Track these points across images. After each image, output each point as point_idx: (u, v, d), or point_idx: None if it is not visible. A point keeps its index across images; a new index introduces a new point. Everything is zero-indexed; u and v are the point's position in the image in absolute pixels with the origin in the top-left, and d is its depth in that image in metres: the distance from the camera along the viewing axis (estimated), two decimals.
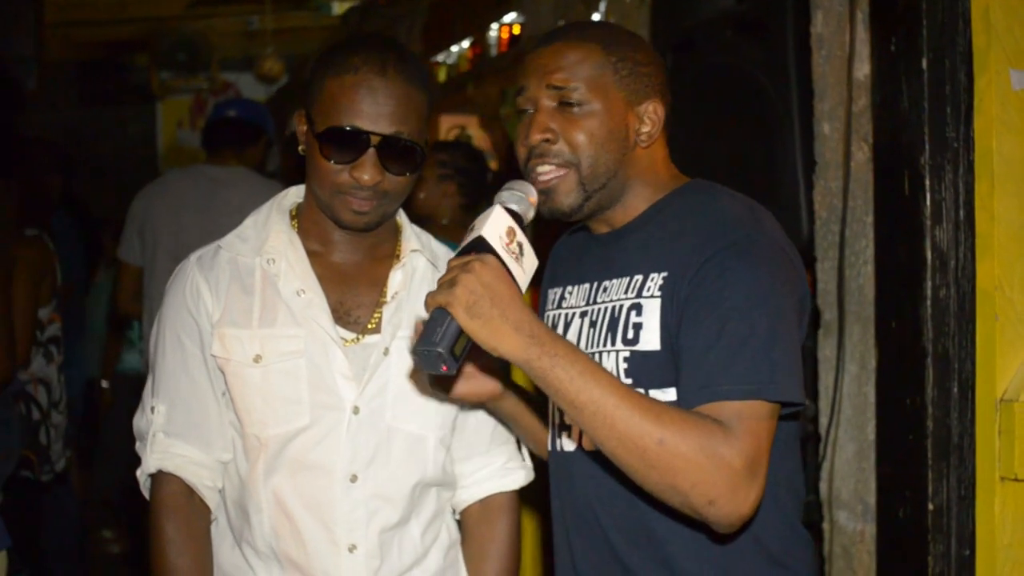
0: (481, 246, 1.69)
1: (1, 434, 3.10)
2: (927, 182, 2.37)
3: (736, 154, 3.15)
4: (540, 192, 1.85)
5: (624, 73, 1.86)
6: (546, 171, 1.86)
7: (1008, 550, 2.32)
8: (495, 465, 2.18)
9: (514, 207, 1.77)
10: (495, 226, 1.71)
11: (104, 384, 5.88)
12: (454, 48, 6.05)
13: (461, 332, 1.65)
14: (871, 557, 2.71)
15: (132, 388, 7.14)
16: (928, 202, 2.37)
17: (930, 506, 2.38)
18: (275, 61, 9.06)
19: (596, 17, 4.52)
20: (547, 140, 1.85)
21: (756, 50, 3.07)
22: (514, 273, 1.70)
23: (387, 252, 2.15)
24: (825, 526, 2.89)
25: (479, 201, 4.15)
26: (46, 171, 5.07)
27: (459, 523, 2.22)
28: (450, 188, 4.20)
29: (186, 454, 2.04)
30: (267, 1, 8.47)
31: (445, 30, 5.52)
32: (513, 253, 1.71)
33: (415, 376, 2.07)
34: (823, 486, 2.89)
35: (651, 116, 1.89)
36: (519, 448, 2.23)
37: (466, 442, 2.16)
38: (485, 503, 2.19)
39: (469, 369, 1.96)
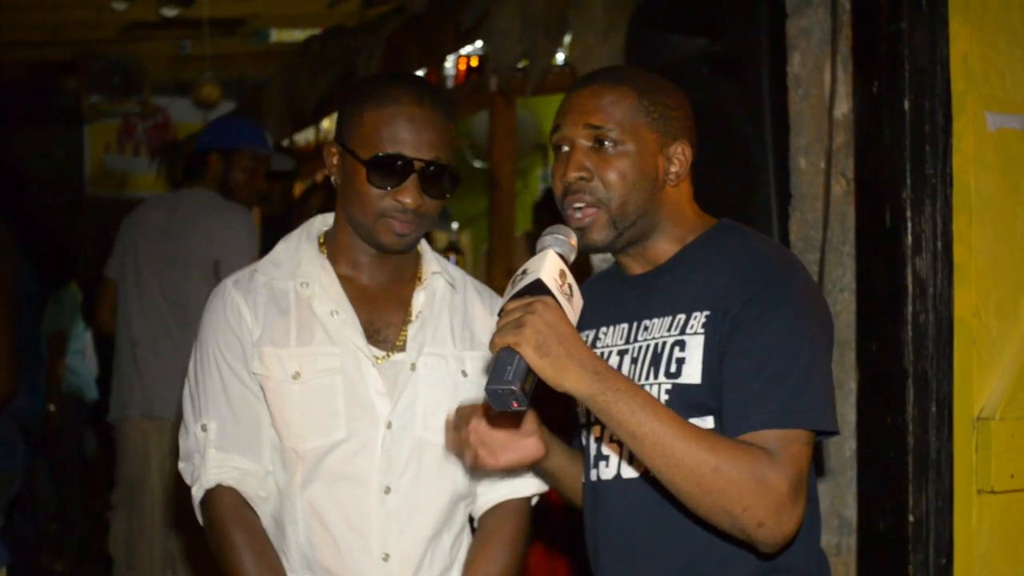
0: (539, 288, 1.76)
1: (5, 457, 3.07)
2: (908, 215, 2.53)
3: (713, 188, 3.28)
4: (575, 230, 1.94)
5: (656, 116, 1.96)
6: (581, 211, 1.96)
7: (984, 558, 2.49)
8: (511, 472, 2.27)
9: (559, 250, 1.85)
10: (551, 269, 1.78)
11: (51, 408, 5.79)
12: None
13: (529, 371, 1.71)
14: (847, 568, 2.85)
15: (76, 410, 7.01)
16: (909, 233, 2.53)
17: (910, 518, 2.53)
18: (213, 86, 9.07)
19: (559, 54, 4.69)
20: (582, 178, 1.95)
21: (731, 88, 3.23)
22: (568, 313, 1.78)
23: (410, 274, 2.26)
24: None
25: None
26: None
27: (474, 531, 2.31)
28: None
29: (242, 466, 2.12)
30: (205, 27, 8.49)
31: (401, 60, 5.64)
32: (566, 294, 1.78)
33: (441, 392, 2.17)
34: None
35: (679, 157, 1.98)
36: None
37: None
38: (499, 506, 2.28)
39: (509, 437, 2.00)
